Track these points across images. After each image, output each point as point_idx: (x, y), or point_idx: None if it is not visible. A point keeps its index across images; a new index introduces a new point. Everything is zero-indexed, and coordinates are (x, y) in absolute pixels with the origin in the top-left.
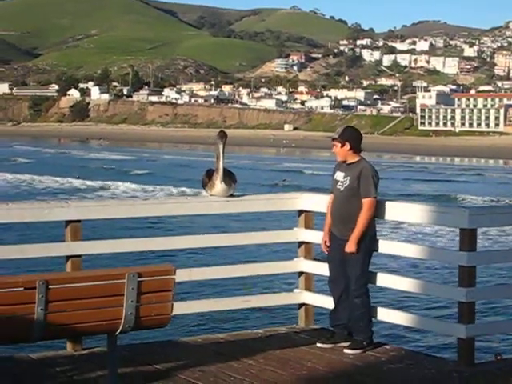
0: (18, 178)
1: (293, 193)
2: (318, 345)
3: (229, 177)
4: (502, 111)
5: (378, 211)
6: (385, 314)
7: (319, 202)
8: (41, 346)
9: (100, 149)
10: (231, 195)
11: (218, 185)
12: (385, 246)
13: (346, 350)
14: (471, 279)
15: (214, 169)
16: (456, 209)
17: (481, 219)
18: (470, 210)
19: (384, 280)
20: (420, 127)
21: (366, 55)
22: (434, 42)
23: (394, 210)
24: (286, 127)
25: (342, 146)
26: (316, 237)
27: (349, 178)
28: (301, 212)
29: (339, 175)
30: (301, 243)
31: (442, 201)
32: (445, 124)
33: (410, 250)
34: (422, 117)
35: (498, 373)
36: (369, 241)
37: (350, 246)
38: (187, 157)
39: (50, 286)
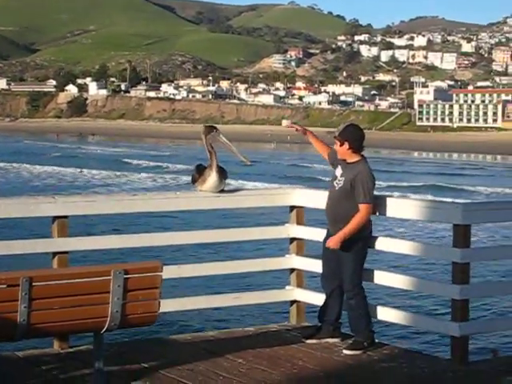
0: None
1: (284, 188)
2: (303, 340)
3: (220, 173)
4: (499, 107)
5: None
6: (377, 312)
7: (311, 198)
8: (27, 344)
9: (117, 144)
10: (222, 191)
11: (210, 180)
12: (377, 243)
13: (344, 351)
14: (465, 276)
15: (203, 164)
16: (449, 204)
17: (475, 215)
18: (463, 206)
19: (376, 277)
20: (418, 123)
21: (364, 51)
22: (431, 38)
23: (387, 206)
24: (284, 122)
25: (341, 144)
26: (308, 233)
27: (344, 178)
28: (292, 208)
29: (338, 171)
30: (292, 239)
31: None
32: (442, 120)
33: (403, 247)
34: (420, 112)
35: (493, 372)
36: (362, 242)
37: (333, 242)
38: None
39: (33, 283)
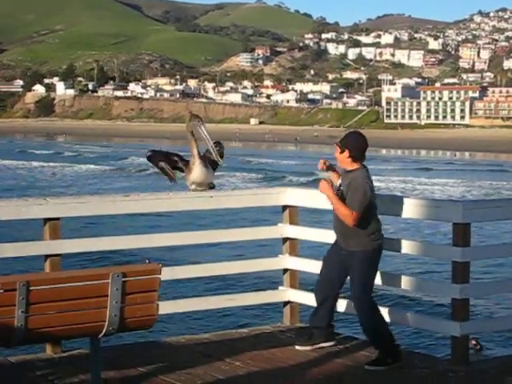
0: None
1: (277, 188)
2: (297, 347)
3: (204, 160)
4: (467, 104)
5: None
6: None
7: (304, 197)
8: (19, 349)
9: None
10: (211, 185)
11: (196, 169)
12: None
13: (366, 366)
14: (465, 275)
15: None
16: (449, 203)
17: (475, 213)
18: (463, 204)
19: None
20: (386, 120)
21: (331, 49)
22: (398, 35)
23: (387, 204)
24: (252, 121)
25: (342, 152)
26: (301, 233)
27: (342, 188)
28: (285, 207)
29: (339, 181)
30: (285, 239)
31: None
32: (410, 117)
33: (403, 246)
34: (388, 110)
35: (494, 372)
36: (372, 254)
37: (322, 187)
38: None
39: (31, 288)
